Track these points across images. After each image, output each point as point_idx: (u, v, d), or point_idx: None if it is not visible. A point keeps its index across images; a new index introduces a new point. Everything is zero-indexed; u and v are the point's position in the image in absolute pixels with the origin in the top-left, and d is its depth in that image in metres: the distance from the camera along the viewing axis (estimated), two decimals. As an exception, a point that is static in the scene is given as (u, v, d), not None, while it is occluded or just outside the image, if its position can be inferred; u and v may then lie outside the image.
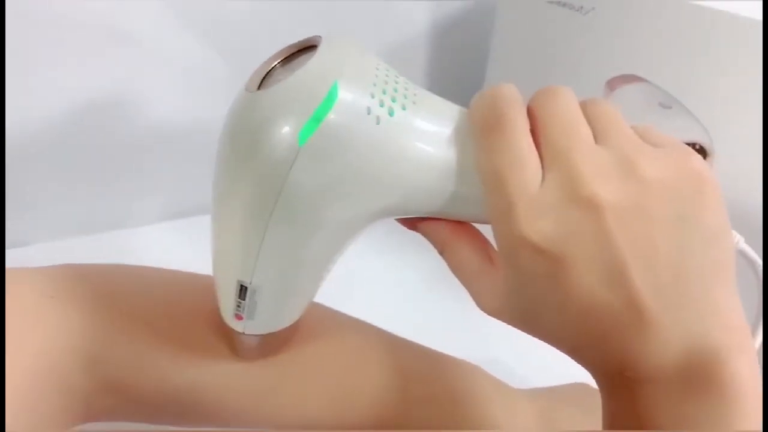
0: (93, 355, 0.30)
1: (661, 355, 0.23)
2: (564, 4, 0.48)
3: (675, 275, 0.23)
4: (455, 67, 0.66)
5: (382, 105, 0.24)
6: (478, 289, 0.27)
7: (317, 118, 0.23)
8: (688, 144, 0.44)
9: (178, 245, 0.57)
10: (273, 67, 0.26)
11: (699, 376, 0.23)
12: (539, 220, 0.23)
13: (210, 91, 0.56)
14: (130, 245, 0.57)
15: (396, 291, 0.53)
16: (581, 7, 0.48)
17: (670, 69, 0.44)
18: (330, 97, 0.23)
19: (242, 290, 0.27)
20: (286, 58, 0.26)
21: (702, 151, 0.44)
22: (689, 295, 0.23)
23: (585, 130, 0.24)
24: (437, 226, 0.28)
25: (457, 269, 0.28)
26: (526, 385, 0.40)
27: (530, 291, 0.24)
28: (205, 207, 0.64)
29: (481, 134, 0.25)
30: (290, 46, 0.27)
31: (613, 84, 0.47)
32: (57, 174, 0.54)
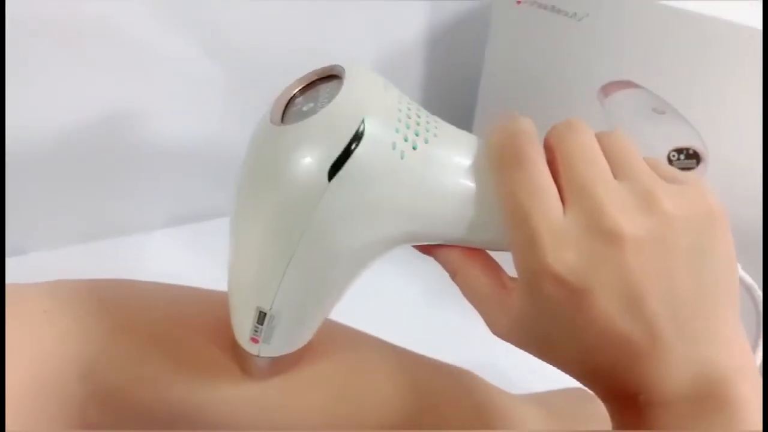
0: (88, 367, 0.30)
1: (674, 379, 0.24)
2: (558, 11, 0.49)
3: (690, 304, 0.24)
4: (449, 74, 0.66)
5: (406, 140, 0.25)
6: (491, 313, 0.27)
7: (346, 154, 0.24)
8: (682, 149, 0.45)
9: (179, 253, 0.57)
10: (293, 95, 0.27)
11: (709, 398, 0.24)
12: (563, 252, 0.23)
13: (210, 100, 0.56)
14: (130, 253, 0.56)
15: (392, 301, 0.53)
16: (575, 14, 0.48)
17: (664, 75, 0.45)
18: (358, 133, 0.24)
19: (261, 316, 0.28)
20: (306, 86, 0.27)
21: (696, 156, 0.45)
22: (702, 323, 0.24)
23: (604, 164, 0.25)
24: (451, 251, 0.28)
25: (469, 293, 0.28)
26: (520, 391, 0.40)
27: (548, 319, 0.25)
28: (205, 215, 0.65)
29: (500, 168, 0.25)
30: (310, 74, 0.27)
31: (607, 90, 0.47)
32: (56, 182, 0.53)
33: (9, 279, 0.32)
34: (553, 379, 0.38)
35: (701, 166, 0.44)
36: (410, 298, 0.55)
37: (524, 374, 0.40)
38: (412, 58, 0.63)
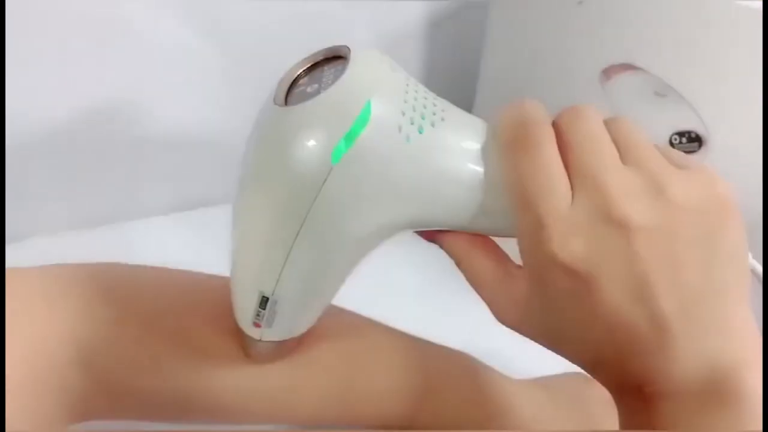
0: (88, 353, 0.30)
1: (681, 371, 0.24)
2: (559, -7, 0.48)
3: (697, 294, 0.24)
4: (450, 57, 0.66)
5: (412, 122, 0.24)
6: (496, 302, 0.27)
7: (351, 137, 0.23)
8: (684, 132, 0.44)
9: (177, 239, 0.57)
10: (298, 76, 0.26)
11: (717, 390, 0.24)
12: (570, 240, 0.23)
13: (209, 89, 0.56)
14: (128, 239, 0.56)
15: (391, 287, 0.53)
16: (576, -4, 0.47)
17: (666, 57, 0.44)
18: (363, 116, 0.23)
19: (263, 300, 0.27)
20: (310, 66, 0.26)
21: (698, 140, 0.44)
22: (710, 314, 0.24)
23: (612, 151, 0.25)
24: (456, 238, 0.28)
25: (474, 281, 0.28)
26: (523, 375, 0.40)
27: (555, 307, 0.25)
28: (204, 202, 0.64)
29: (509, 153, 0.25)
30: (314, 55, 0.27)
31: (608, 73, 0.47)
32: (54, 168, 0.53)
33: (8, 265, 0.32)
34: (552, 366, 0.38)
35: (703, 149, 0.44)
36: (409, 285, 0.55)
37: (523, 361, 0.40)
38: (411, 43, 0.63)
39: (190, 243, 0.56)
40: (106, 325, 0.31)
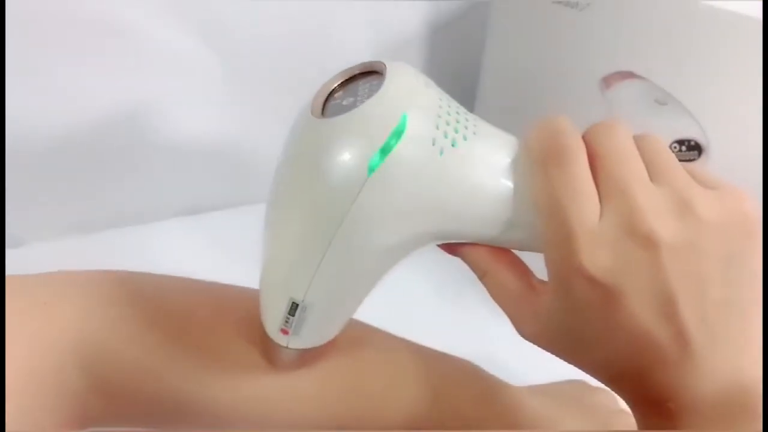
0: (89, 359, 0.30)
1: (702, 387, 0.24)
2: (560, 1, 0.48)
3: (721, 311, 0.24)
4: (450, 61, 0.66)
5: (446, 136, 0.25)
6: (519, 315, 0.27)
7: (386, 149, 0.24)
8: (683, 140, 0.45)
9: (180, 244, 0.57)
10: (333, 90, 0.27)
11: (736, 405, 0.24)
12: (598, 252, 0.24)
13: (213, 94, 0.56)
14: (130, 244, 0.56)
15: (391, 293, 0.53)
16: (577, 3, 0.47)
17: (666, 66, 0.45)
18: (399, 129, 0.24)
19: (293, 307, 0.28)
20: (345, 80, 0.27)
21: (697, 148, 0.45)
22: (732, 330, 0.24)
23: (641, 167, 0.25)
24: (479, 251, 0.28)
25: (497, 294, 0.28)
26: (522, 383, 0.40)
27: (579, 320, 0.25)
28: (207, 207, 0.64)
29: (540, 165, 0.25)
30: (350, 69, 0.27)
31: (608, 81, 0.47)
32: (56, 172, 0.53)
33: (8, 271, 0.32)
34: (552, 376, 0.38)
35: (702, 157, 0.44)
36: (413, 294, 0.55)
37: (525, 373, 0.40)
38: (412, 46, 0.63)
39: (196, 247, 0.56)
40: (108, 332, 0.31)
